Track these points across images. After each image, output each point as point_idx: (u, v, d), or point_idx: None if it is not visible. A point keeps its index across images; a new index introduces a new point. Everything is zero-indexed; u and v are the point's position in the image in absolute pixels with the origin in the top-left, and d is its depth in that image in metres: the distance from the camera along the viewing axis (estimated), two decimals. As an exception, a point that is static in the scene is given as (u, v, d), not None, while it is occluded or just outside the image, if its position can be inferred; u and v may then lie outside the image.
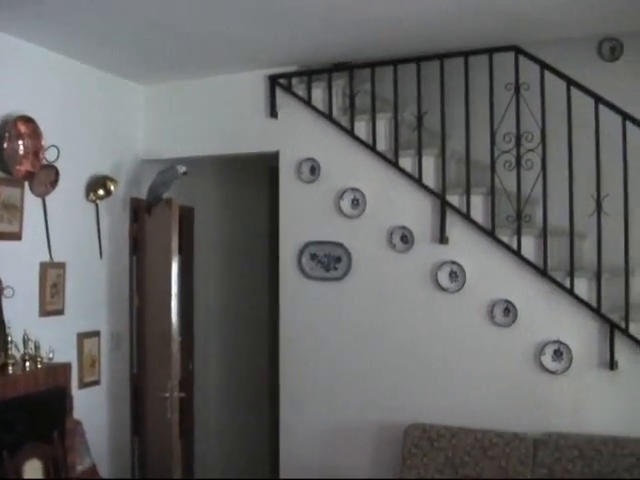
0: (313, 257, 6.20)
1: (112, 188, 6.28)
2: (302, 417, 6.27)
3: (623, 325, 5.39)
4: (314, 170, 6.21)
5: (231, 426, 8.00)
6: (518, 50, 5.64)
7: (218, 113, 6.62)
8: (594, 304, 5.46)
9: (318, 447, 6.21)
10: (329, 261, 6.14)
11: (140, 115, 6.91)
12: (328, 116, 6.19)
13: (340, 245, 6.11)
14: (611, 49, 6.30)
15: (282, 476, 6.30)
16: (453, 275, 5.81)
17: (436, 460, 5.53)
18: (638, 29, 5.90)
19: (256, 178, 8.05)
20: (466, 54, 5.79)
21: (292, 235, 6.32)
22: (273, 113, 6.34)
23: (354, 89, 6.17)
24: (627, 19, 5.57)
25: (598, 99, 5.44)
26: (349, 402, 6.13)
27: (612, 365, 5.38)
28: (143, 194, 6.52)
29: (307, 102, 6.25)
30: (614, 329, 5.40)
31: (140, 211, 6.64)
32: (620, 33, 6.13)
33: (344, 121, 6.17)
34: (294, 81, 6.37)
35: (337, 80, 6.30)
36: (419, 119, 5.94)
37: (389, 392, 5.99)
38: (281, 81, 6.34)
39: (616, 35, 6.20)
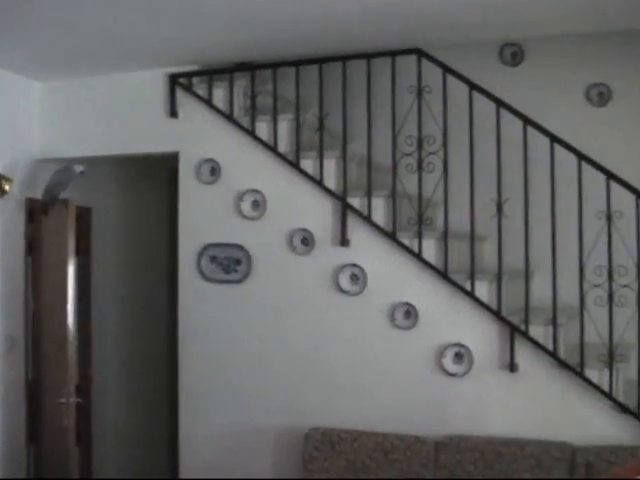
0: (213, 259, 6.05)
1: (7, 188, 6.04)
2: (202, 422, 6.10)
3: (523, 328, 5.39)
4: (214, 171, 6.04)
5: (130, 431, 7.77)
6: (421, 53, 5.59)
7: (117, 112, 6.40)
8: (495, 307, 5.45)
9: (218, 452, 6.04)
10: (229, 263, 6.00)
11: (36, 113, 6.62)
12: (229, 116, 6.03)
13: (240, 247, 5.97)
14: (512, 54, 6.34)
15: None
16: (354, 278, 5.73)
17: (337, 464, 5.44)
18: (539, 35, 5.94)
19: (156, 179, 7.84)
20: (369, 56, 5.71)
21: (191, 237, 6.14)
22: (173, 113, 6.15)
23: (256, 89, 6.03)
24: (528, 25, 5.58)
25: (500, 103, 5.43)
26: (250, 406, 5.98)
27: (512, 367, 5.37)
28: (39, 194, 6.27)
29: (208, 102, 6.08)
30: (514, 332, 5.39)
31: (36, 211, 6.37)
32: (521, 39, 6.17)
33: (245, 122, 6.03)
34: (195, 80, 6.19)
35: (239, 80, 6.15)
36: (321, 121, 5.84)
37: (290, 396, 5.87)
38: (182, 80, 6.15)
39: (517, 41, 6.23)
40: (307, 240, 5.82)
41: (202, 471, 6.01)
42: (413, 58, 5.61)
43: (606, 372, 5.27)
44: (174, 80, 6.17)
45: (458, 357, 5.51)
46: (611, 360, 5.25)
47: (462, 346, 5.48)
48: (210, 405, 6.09)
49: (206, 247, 6.07)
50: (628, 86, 6.19)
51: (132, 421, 7.80)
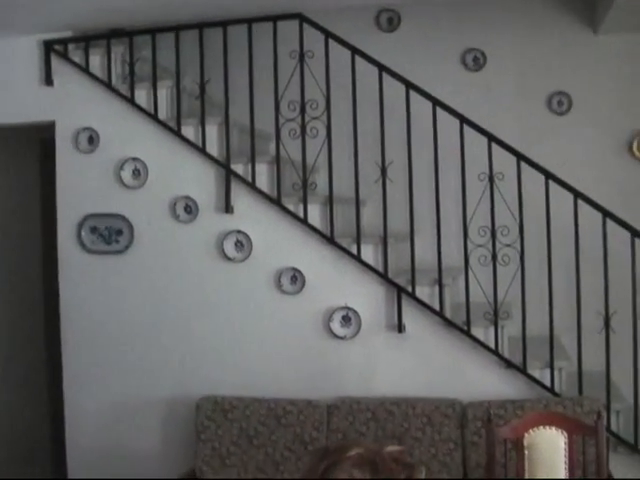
0: (93, 230, 5.78)
1: None
2: (88, 397, 5.83)
3: (409, 289, 5.41)
4: (92, 140, 5.77)
5: (7, 413, 7.48)
6: (302, 18, 5.48)
7: (-12, 81, 6.05)
8: (381, 269, 5.45)
9: (107, 426, 5.81)
10: (110, 234, 5.77)
11: None
12: (107, 84, 5.74)
13: (122, 217, 5.73)
14: (388, 20, 6.33)
15: (69, 458, 5.86)
16: (239, 245, 5.61)
17: (230, 432, 5.32)
18: (414, 1, 5.96)
19: (26, 150, 7.49)
20: (250, 21, 5.55)
21: (70, 208, 5.83)
22: (49, 81, 5.80)
23: (134, 56, 5.79)
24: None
25: (382, 68, 5.40)
26: (137, 379, 5.76)
27: (400, 328, 5.38)
28: None
29: (85, 69, 5.76)
30: (401, 293, 5.40)
31: None
32: (397, 4, 6.17)
33: (124, 89, 5.76)
34: (70, 47, 5.85)
35: (116, 47, 5.86)
36: (202, 87, 5.64)
37: (179, 366, 5.70)
38: (57, 47, 5.81)
39: (393, 6, 6.24)
40: (190, 208, 5.66)
41: (90, 448, 5.79)
42: (295, 23, 5.50)
43: (491, 329, 5.35)
44: (49, 47, 5.81)
45: (346, 320, 5.48)
46: (496, 317, 5.32)
47: (349, 309, 5.44)
48: (96, 380, 5.83)
49: (86, 218, 5.78)
50: (502, 50, 6.29)
51: (8, 402, 7.49)
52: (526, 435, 3.94)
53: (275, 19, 5.55)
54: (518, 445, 3.96)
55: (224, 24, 5.63)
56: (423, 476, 1.63)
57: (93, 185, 5.84)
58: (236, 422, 5.36)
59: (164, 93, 5.83)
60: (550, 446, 3.91)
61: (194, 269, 5.71)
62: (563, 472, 3.91)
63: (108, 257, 5.82)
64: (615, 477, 4.88)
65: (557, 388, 5.29)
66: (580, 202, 5.21)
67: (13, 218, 7.45)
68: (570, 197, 5.22)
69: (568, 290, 5.30)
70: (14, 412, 7.31)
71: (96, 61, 5.86)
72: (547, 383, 5.26)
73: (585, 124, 6.23)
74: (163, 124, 5.73)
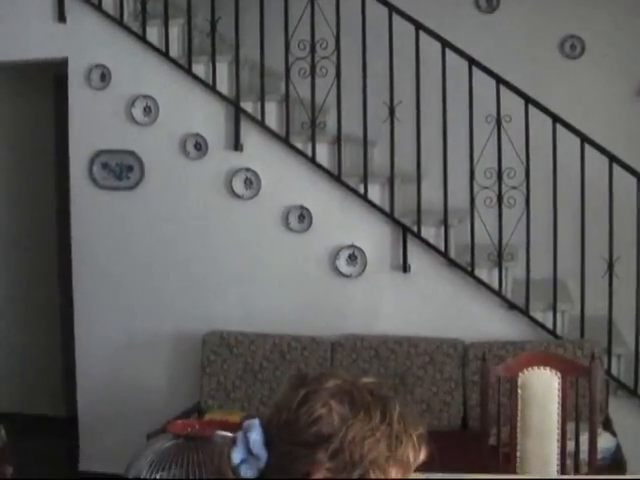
0: (104, 166, 5.79)
1: None
2: (98, 332, 5.88)
3: (415, 229, 5.43)
4: (104, 77, 5.73)
5: (19, 347, 7.56)
6: (313, -43, 5.48)
7: (1, 17, 5.99)
8: (387, 209, 5.47)
9: (115, 361, 5.87)
10: (121, 170, 5.77)
11: None
12: (119, 21, 5.70)
13: (132, 153, 5.72)
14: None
15: (79, 390, 5.95)
16: (248, 182, 5.62)
17: (235, 366, 5.40)
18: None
19: (39, 86, 7.48)
20: (261, -41, 5.56)
21: (82, 144, 5.82)
22: (61, 18, 5.76)
23: (146, -7, 5.77)
24: None
25: (393, 8, 5.37)
26: (146, 314, 5.81)
27: (405, 268, 5.41)
28: None
29: (97, 7, 5.70)
30: (406, 233, 5.42)
31: None
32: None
33: (136, 27, 5.72)
34: (83, -16, 5.87)
35: None
36: (212, 25, 5.62)
37: (186, 302, 5.74)
38: (70, -17, 5.83)
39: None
40: (200, 145, 5.65)
41: (99, 381, 5.86)
42: (306, -36, 5.49)
43: (495, 271, 5.37)
44: (62, -17, 5.82)
45: (352, 259, 5.50)
46: (500, 259, 5.34)
47: (356, 248, 5.46)
48: (105, 315, 5.89)
49: (98, 154, 5.79)
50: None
51: (21, 337, 7.57)
52: (520, 375, 3.96)
53: (283, -42, 5.52)
54: (512, 384, 3.99)
55: (236, -38, 5.59)
56: (396, 409, 1.66)
57: (105, 121, 5.84)
58: (241, 357, 5.42)
59: (175, 31, 5.79)
60: (543, 386, 3.92)
61: (203, 206, 5.73)
62: (556, 413, 3.93)
63: (119, 193, 5.85)
64: (614, 420, 4.93)
65: (559, 331, 5.31)
66: (587, 147, 5.19)
67: (27, 154, 7.47)
68: (577, 141, 5.20)
69: (573, 234, 5.28)
70: (28, 346, 7.41)
71: (109, -1, 5.84)
72: (549, 325, 5.29)
73: (597, 69, 6.14)
74: (174, 62, 5.70)
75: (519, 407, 3.93)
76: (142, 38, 5.75)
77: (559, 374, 3.92)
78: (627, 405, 5.19)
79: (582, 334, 5.25)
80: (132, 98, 5.74)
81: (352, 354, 5.30)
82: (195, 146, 5.69)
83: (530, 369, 3.95)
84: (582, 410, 4.03)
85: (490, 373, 4.02)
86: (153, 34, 5.77)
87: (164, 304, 5.80)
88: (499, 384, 4.00)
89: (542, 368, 3.95)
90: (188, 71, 5.69)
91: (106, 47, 5.82)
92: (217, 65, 5.67)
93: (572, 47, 6.18)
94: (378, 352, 5.28)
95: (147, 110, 5.75)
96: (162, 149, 5.77)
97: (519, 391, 3.94)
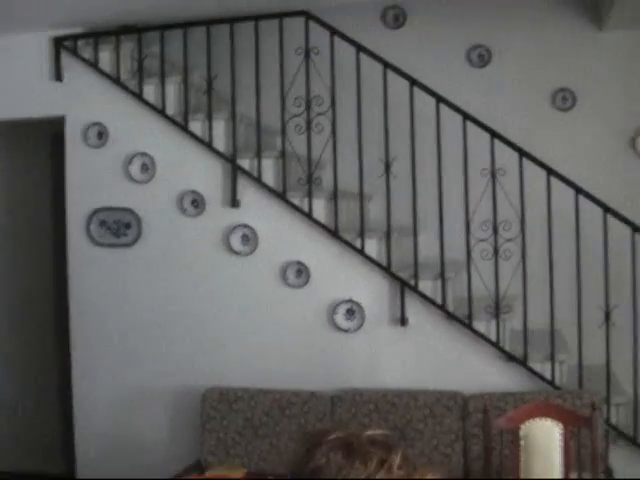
0: (102, 224, 5.88)
1: None
2: (96, 388, 5.94)
3: (413, 282, 5.48)
4: (102, 135, 5.86)
5: (18, 402, 7.57)
6: (308, 15, 5.56)
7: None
8: (384, 263, 5.53)
9: (114, 417, 5.91)
10: (119, 227, 5.86)
11: None
12: (116, 79, 5.84)
13: (130, 211, 5.82)
14: (394, 17, 6.40)
15: (78, 448, 5.96)
16: (245, 238, 5.69)
17: (235, 422, 5.42)
18: (420, -2, 6.05)
19: (37, 145, 7.58)
20: (256, 18, 5.64)
21: (80, 202, 5.94)
22: (58, 76, 5.90)
23: (143, 52, 5.87)
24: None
25: (386, 65, 5.48)
26: (145, 369, 5.86)
27: (403, 321, 5.47)
28: None
29: (94, 65, 5.85)
30: (404, 287, 5.48)
31: None
32: (403, 1, 6.25)
33: (132, 85, 5.85)
34: (80, 43, 5.95)
35: (125, 43, 5.96)
36: (209, 83, 5.74)
37: (186, 357, 5.79)
38: (66, 43, 5.91)
39: (399, 3, 6.31)
40: (197, 202, 5.75)
41: (98, 438, 5.89)
42: (301, 20, 5.57)
43: (493, 323, 5.42)
44: (59, 43, 5.92)
45: (350, 313, 5.56)
46: (497, 311, 5.39)
47: (353, 302, 5.53)
48: (104, 371, 5.94)
49: (95, 211, 5.88)
50: (507, 46, 6.33)
51: (20, 391, 7.59)
52: (522, 426, 4.02)
53: (281, 16, 5.63)
54: (514, 436, 4.03)
55: (231, 21, 5.71)
56: (399, 458, 1.71)
57: (102, 179, 5.94)
58: (241, 413, 5.45)
59: (172, 89, 5.91)
60: (546, 437, 3.99)
61: (201, 262, 5.80)
62: (558, 463, 3.98)
63: (116, 250, 5.93)
64: (615, 470, 4.96)
65: (558, 381, 5.35)
66: (581, 198, 5.28)
67: (25, 212, 7.56)
68: (571, 192, 5.29)
69: (569, 284, 5.35)
70: (25, 403, 7.42)
71: (105, 57, 5.94)
72: (548, 376, 5.33)
73: (589, 120, 6.27)
74: (171, 119, 5.82)
75: (522, 458, 3.97)
76: (139, 96, 5.87)
77: (561, 424, 3.97)
78: (627, 454, 5.22)
79: (580, 384, 5.30)
80: (129, 156, 5.84)
81: (352, 408, 5.33)
82: (192, 203, 5.77)
83: (532, 420, 4.01)
84: (583, 460, 4.07)
85: (492, 425, 4.06)
86: (150, 92, 5.89)
87: (163, 360, 5.85)
88: (502, 436, 4.04)
89: (544, 419, 4.00)
90: (185, 128, 5.79)
91: (103, 105, 5.93)
92: (214, 122, 5.77)
93: (564, 99, 6.29)
94: (378, 406, 5.31)
95: (144, 167, 5.84)
96: (159, 206, 5.85)
97: (522, 442, 3.99)
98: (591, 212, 5.28)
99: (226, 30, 5.72)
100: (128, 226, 5.88)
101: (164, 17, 5.83)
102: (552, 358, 5.35)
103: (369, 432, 1.78)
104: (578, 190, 5.29)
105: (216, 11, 5.73)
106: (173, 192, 5.80)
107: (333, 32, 5.54)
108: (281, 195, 5.65)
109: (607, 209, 5.26)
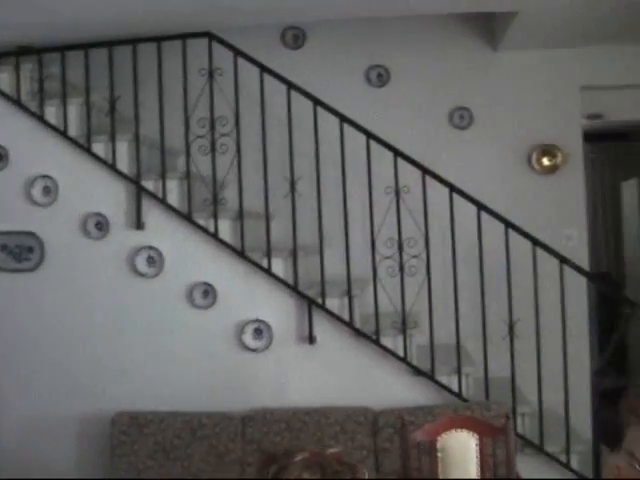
0: (3, 248, 5.76)
1: None
2: (2, 415, 5.76)
3: (320, 301, 5.55)
4: (2, 157, 5.70)
5: None
6: (211, 36, 5.60)
7: None
8: (291, 282, 5.58)
9: (21, 444, 5.76)
10: (20, 251, 5.78)
11: None
12: (16, 101, 5.74)
13: (32, 234, 5.73)
14: (294, 37, 6.49)
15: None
16: (151, 260, 5.67)
17: (146, 446, 5.36)
18: (319, 19, 6.12)
19: None
20: (159, 39, 5.65)
21: None
22: None
23: (43, 73, 5.81)
24: (308, 10, 5.68)
25: (290, 85, 5.56)
26: (51, 395, 5.74)
27: (311, 339, 5.53)
28: None
29: None
30: (311, 305, 5.54)
31: None
32: (302, 23, 6.34)
33: (33, 106, 5.77)
34: (-22, 65, 5.88)
35: (25, 64, 5.85)
36: (112, 104, 5.71)
37: (93, 382, 5.70)
38: (-36, 65, 5.84)
39: (299, 24, 6.40)
40: (101, 224, 5.69)
41: (4, 462, 5.75)
42: (204, 41, 5.61)
43: (400, 338, 5.53)
44: (-45, 65, 5.83)
45: (258, 333, 5.59)
46: (404, 327, 5.51)
47: (261, 322, 5.56)
48: (9, 398, 5.78)
49: (-4, 236, 5.83)
50: (405, 67, 6.54)
51: None
52: (439, 438, 4.11)
53: (184, 37, 5.65)
54: (431, 448, 4.12)
55: (133, 42, 5.70)
56: (366, 476, 1.77)
57: (3, 202, 5.82)
58: (152, 436, 5.41)
59: (74, 110, 5.84)
60: (462, 448, 4.09)
61: (106, 285, 5.74)
62: (475, 474, 4.09)
63: (19, 275, 5.81)
64: (522, 477, 5.10)
65: (465, 393, 5.50)
66: (483, 213, 5.44)
67: None
68: (473, 209, 5.44)
69: (473, 299, 5.52)
70: None
71: (5, 78, 5.82)
72: (455, 389, 5.47)
73: (486, 138, 6.51)
74: (73, 141, 5.75)
75: (439, 470, 4.06)
76: (40, 117, 5.79)
77: (476, 435, 4.08)
78: (534, 462, 5.39)
79: (487, 396, 5.44)
80: (31, 178, 5.76)
81: (263, 428, 5.35)
82: (96, 225, 5.71)
83: (448, 432, 4.10)
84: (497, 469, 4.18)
85: (409, 439, 4.14)
86: (51, 113, 5.82)
87: (71, 385, 5.75)
88: (419, 449, 4.13)
89: (460, 430, 4.10)
90: (88, 150, 5.73)
91: (3, 127, 5.84)
92: (117, 144, 5.74)
93: (461, 118, 6.48)
94: (289, 424, 5.34)
95: (46, 190, 5.76)
96: (63, 229, 5.77)
97: (439, 454, 4.08)
98: (493, 227, 5.44)
99: (128, 51, 5.70)
100: (31, 250, 5.78)
101: (64, 38, 5.76)
102: (458, 371, 5.48)
103: (330, 450, 1.84)
104: (480, 206, 5.45)
105: (118, 32, 5.70)
106: (76, 215, 5.73)
107: (237, 53, 5.59)
108: (186, 216, 5.65)
109: (508, 224, 5.43)
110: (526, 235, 5.42)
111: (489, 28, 6.52)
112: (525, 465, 5.18)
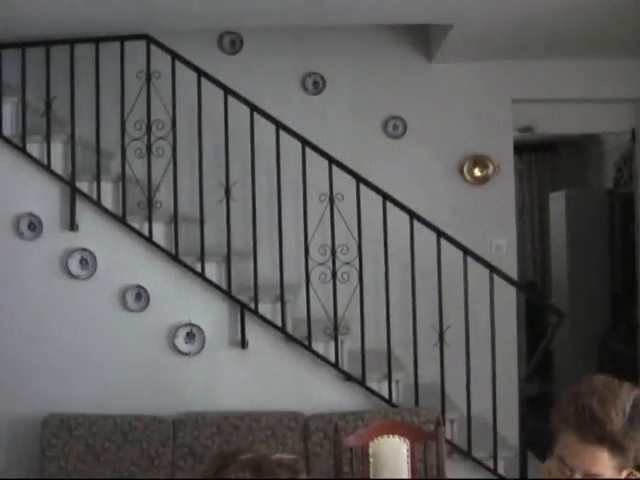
0: None
1: None
2: None
3: (252, 305, 5.62)
4: None
5: None
6: (149, 39, 5.65)
7: None
8: (224, 286, 5.64)
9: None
10: (-50, 251, 5.80)
11: None
12: None
13: (-38, 234, 5.77)
14: (231, 42, 6.55)
15: None
16: (84, 262, 5.67)
17: (77, 449, 5.36)
18: (256, 25, 6.21)
19: None
20: (97, 40, 5.67)
21: None
22: None
23: (-23, 73, 5.80)
24: (246, 15, 5.75)
25: (227, 90, 5.63)
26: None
27: (243, 344, 5.59)
28: None
29: None
30: (244, 309, 5.61)
31: None
32: (239, 28, 6.41)
33: (-35, 105, 5.78)
34: None
35: None
36: (47, 104, 5.70)
37: (23, 384, 5.66)
38: None
39: (236, 29, 6.47)
40: (34, 225, 5.67)
41: None
42: (142, 43, 5.65)
43: (332, 344, 5.62)
44: None
45: (190, 337, 5.63)
46: (336, 332, 5.60)
47: (194, 325, 5.61)
48: None
49: None
50: (340, 74, 6.67)
51: None
52: (371, 443, 4.20)
53: (122, 39, 5.68)
54: (363, 453, 4.21)
55: (71, 42, 5.70)
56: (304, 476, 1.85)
57: None
58: (82, 439, 5.41)
59: (9, 109, 5.81)
60: (394, 453, 4.19)
61: (38, 287, 5.72)
62: (406, 478, 4.19)
63: (-51, 275, 5.79)
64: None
65: (395, 399, 5.61)
66: (416, 222, 5.56)
67: None
68: (406, 217, 5.56)
69: (405, 306, 5.64)
70: None
71: (-63, 77, 5.81)
72: (385, 395, 5.58)
73: (419, 148, 6.65)
74: (7, 140, 5.73)
75: (371, 475, 4.16)
76: (-28, 117, 5.76)
77: (407, 441, 4.18)
78: (462, 467, 5.53)
79: (417, 402, 5.56)
80: (-37, 177, 5.72)
81: (194, 431, 5.40)
82: (29, 226, 5.70)
83: (380, 437, 4.20)
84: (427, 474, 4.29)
85: (341, 444, 4.23)
86: (-16, 113, 5.79)
87: (1, 387, 5.69)
88: (352, 453, 4.22)
89: (391, 436, 4.20)
90: (22, 150, 5.71)
91: None
92: (52, 144, 5.72)
93: (395, 127, 6.61)
94: (220, 428, 5.40)
95: (-22, 190, 5.74)
96: (-6, 229, 5.76)
97: (371, 459, 4.17)
98: (425, 236, 5.56)
99: (66, 51, 5.71)
100: (-40, 251, 5.77)
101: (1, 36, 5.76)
102: (389, 377, 5.59)
103: (278, 455, 1.91)
104: (412, 215, 5.57)
105: (56, 32, 5.71)
106: (9, 215, 5.70)
107: (174, 56, 5.65)
108: (120, 219, 5.67)
109: (440, 233, 5.56)
110: (457, 244, 5.57)
111: (425, 39, 6.67)
112: (453, 470, 5.27)
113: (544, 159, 11.16)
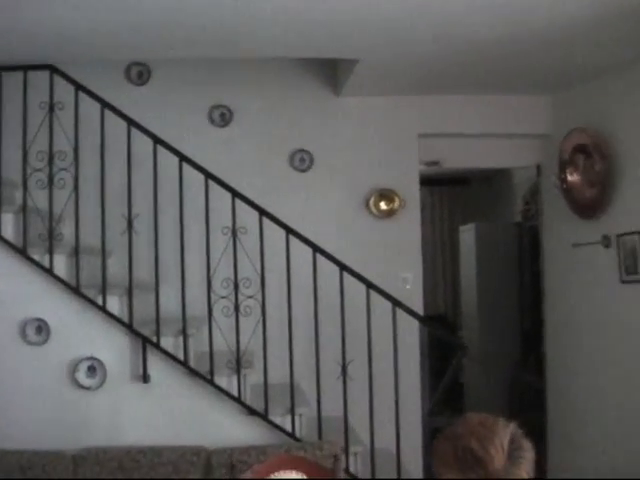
0: None
1: None
2: None
3: (154, 339, 5.64)
4: None
5: None
6: (53, 69, 5.66)
7: None
8: (126, 320, 5.64)
9: None
10: None
11: None
12: None
13: None
14: (139, 73, 6.60)
15: None
16: (-18, 295, 5.68)
17: (-27, 485, 5.38)
18: (164, 57, 6.26)
19: None
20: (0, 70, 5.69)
21: None
22: None
23: None
24: (154, 47, 5.78)
25: (131, 122, 5.66)
26: None
27: (145, 378, 5.60)
28: None
29: None
30: (146, 343, 5.62)
31: None
32: (147, 59, 6.45)
33: None
34: None
35: None
36: (-54, 135, 5.72)
37: None
38: None
39: (144, 60, 6.51)
40: None
41: None
42: (45, 74, 5.66)
43: (234, 378, 5.67)
44: None
45: (91, 370, 5.62)
46: (238, 366, 5.64)
47: (95, 359, 5.60)
48: None
49: None
50: (248, 107, 6.75)
51: None
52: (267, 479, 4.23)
53: (26, 69, 5.69)
54: (261, 487, 4.24)
55: (-27, 72, 5.70)
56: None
57: None
58: (-20, 475, 5.38)
59: None
60: (290, 487, 4.22)
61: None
62: (302, 512, 4.23)
63: None
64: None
65: (298, 433, 5.66)
66: (319, 256, 5.64)
67: None
68: (310, 251, 5.64)
69: (308, 339, 5.71)
70: None
71: None
72: (288, 429, 5.63)
73: (326, 181, 6.77)
74: None
75: (268, 510, 4.19)
76: None
77: (305, 476, 4.22)
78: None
79: (320, 435, 5.61)
80: None
81: (95, 467, 5.36)
82: None
83: (277, 473, 4.23)
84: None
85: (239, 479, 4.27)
86: None
87: None
88: (248, 489, 4.26)
89: (289, 471, 4.24)
90: None
91: None
92: (-50, 175, 5.69)
93: (301, 160, 6.71)
94: (122, 464, 5.37)
95: None
96: None
97: (267, 494, 4.20)
98: (330, 269, 5.64)
99: (-34, 80, 5.70)
100: None
101: None
102: (292, 411, 5.65)
103: None
104: (315, 249, 5.65)
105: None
106: None
107: (78, 87, 5.67)
108: (21, 250, 5.65)
109: (343, 267, 5.65)
110: (360, 278, 5.66)
111: (332, 73, 6.80)
112: (354, 503, 5.39)
113: (456, 193, 11.37)
